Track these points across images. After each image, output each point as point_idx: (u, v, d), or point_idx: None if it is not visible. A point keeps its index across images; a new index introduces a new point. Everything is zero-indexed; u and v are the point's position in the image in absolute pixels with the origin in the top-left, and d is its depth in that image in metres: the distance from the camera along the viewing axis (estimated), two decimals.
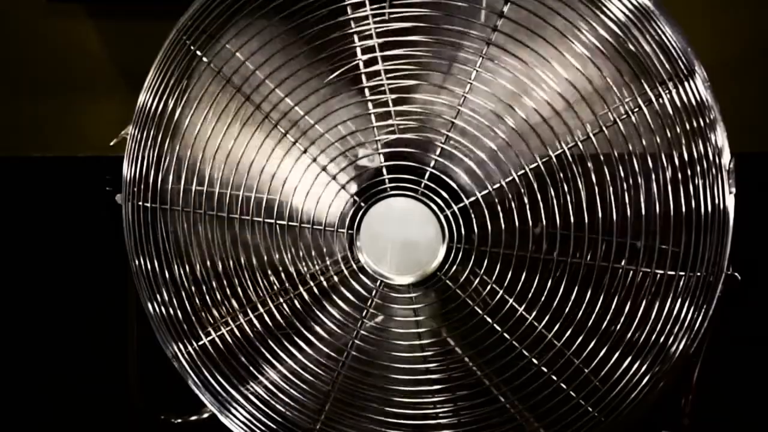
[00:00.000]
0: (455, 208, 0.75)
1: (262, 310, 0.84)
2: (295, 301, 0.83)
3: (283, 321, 0.83)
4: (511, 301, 0.76)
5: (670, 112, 0.70)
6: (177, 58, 0.79)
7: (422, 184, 0.75)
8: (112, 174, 0.84)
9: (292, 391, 0.85)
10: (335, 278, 0.81)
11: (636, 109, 0.70)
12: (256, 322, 0.84)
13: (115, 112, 1.39)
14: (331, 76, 0.75)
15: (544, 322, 0.75)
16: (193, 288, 0.84)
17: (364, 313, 0.81)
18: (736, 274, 0.72)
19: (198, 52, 0.79)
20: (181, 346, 0.86)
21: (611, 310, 0.74)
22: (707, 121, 0.69)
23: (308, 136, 0.78)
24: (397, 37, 0.74)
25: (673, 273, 0.72)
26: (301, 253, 0.81)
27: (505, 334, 0.77)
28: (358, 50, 0.75)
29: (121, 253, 0.85)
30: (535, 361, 0.77)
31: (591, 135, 0.71)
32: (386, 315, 0.81)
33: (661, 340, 0.74)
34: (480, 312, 0.77)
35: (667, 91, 0.69)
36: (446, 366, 0.80)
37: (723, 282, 0.72)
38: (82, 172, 1.38)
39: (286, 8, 0.75)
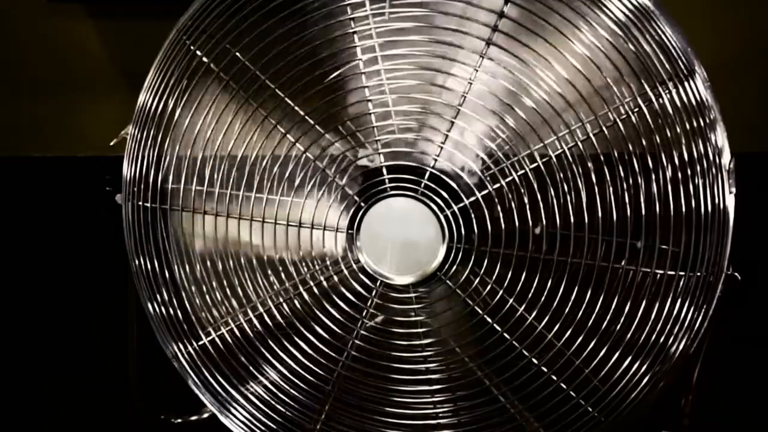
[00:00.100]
0: (455, 208, 0.75)
1: (262, 310, 0.84)
2: (295, 301, 0.83)
3: (283, 321, 0.83)
4: (511, 301, 0.76)
5: (670, 111, 0.70)
6: (177, 58, 0.79)
7: (422, 184, 0.75)
8: (112, 174, 0.84)
9: (292, 391, 0.85)
10: (335, 278, 0.81)
11: (636, 109, 0.70)
12: (256, 322, 0.84)
13: (115, 112, 1.39)
14: (331, 76, 0.75)
15: (544, 322, 0.75)
16: (193, 288, 0.84)
17: (364, 313, 0.81)
18: (736, 274, 0.72)
19: (198, 52, 0.79)
20: (181, 346, 0.86)
21: (611, 310, 0.74)
22: (707, 121, 0.69)
23: (308, 136, 0.78)
24: (397, 37, 0.74)
25: (673, 273, 0.72)
26: (301, 253, 0.81)
27: (505, 334, 0.77)
28: (358, 50, 0.75)
29: (121, 253, 0.85)
30: (535, 361, 0.77)
31: (591, 135, 0.71)
32: (386, 315, 0.81)
33: (661, 340, 0.74)
34: (480, 312, 0.77)
35: (667, 91, 0.69)
36: (446, 366, 0.80)
37: (723, 282, 0.72)
38: (82, 172, 1.38)
39: (286, 8, 0.75)
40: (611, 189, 0.71)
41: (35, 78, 1.50)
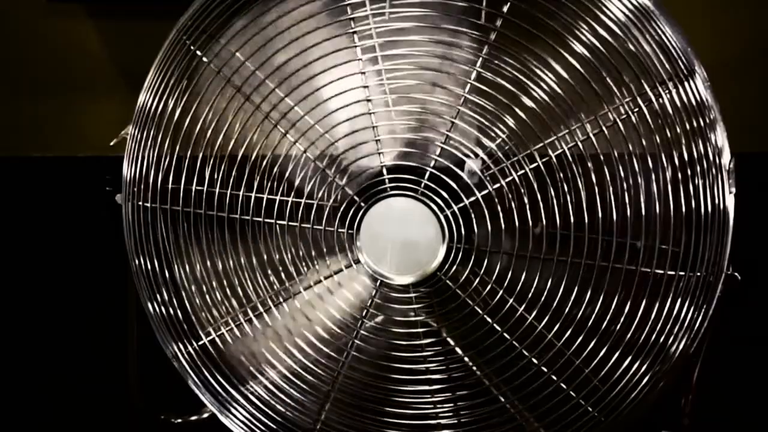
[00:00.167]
0: (455, 208, 0.75)
1: (262, 310, 0.84)
2: (295, 301, 0.83)
3: (284, 321, 0.83)
4: (511, 301, 0.76)
5: (670, 112, 0.70)
6: (177, 58, 0.79)
7: (422, 184, 0.75)
8: (112, 174, 0.84)
9: (292, 391, 0.85)
10: (335, 278, 0.81)
11: (636, 109, 0.70)
12: (256, 322, 0.84)
13: (115, 112, 1.39)
14: (331, 76, 0.75)
15: (544, 322, 0.75)
16: (193, 288, 0.84)
17: (364, 313, 0.81)
18: (736, 274, 0.72)
19: (198, 52, 0.79)
20: (181, 346, 0.86)
21: (611, 310, 0.73)
22: (707, 121, 0.69)
23: (308, 136, 0.78)
24: (397, 37, 0.74)
25: (673, 273, 0.72)
26: (301, 253, 0.81)
27: (505, 334, 0.77)
28: (358, 50, 0.75)
29: (121, 253, 0.85)
30: (535, 361, 0.77)
31: (591, 135, 0.71)
32: (386, 315, 0.81)
33: (661, 340, 0.74)
34: (480, 312, 0.77)
35: (667, 91, 0.69)
36: (446, 366, 0.80)
37: (723, 282, 0.72)
38: (82, 172, 1.38)
39: (286, 8, 0.75)
40: (611, 189, 0.71)
41: (35, 78, 1.50)
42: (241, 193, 0.80)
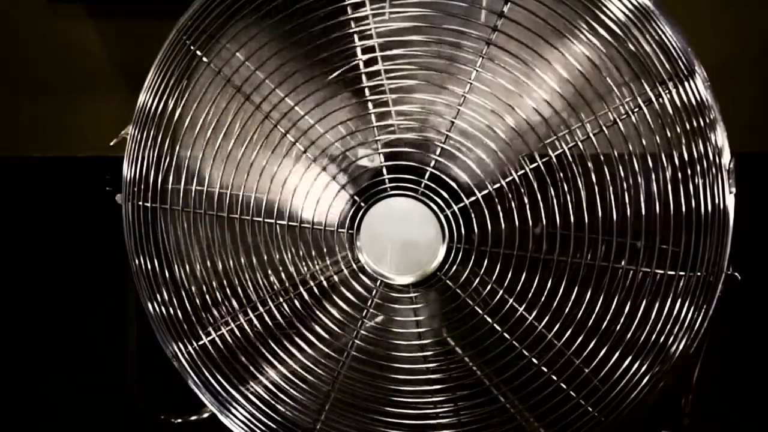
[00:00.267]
0: (455, 208, 0.75)
1: (262, 310, 0.84)
2: (295, 301, 0.83)
3: (283, 321, 0.83)
4: (511, 301, 0.76)
5: (670, 111, 0.70)
6: (177, 58, 0.79)
7: (422, 184, 0.75)
8: (112, 174, 0.84)
9: (292, 391, 0.85)
10: (335, 278, 0.81)
11: (636, 109, 0.70)
12: (256, 322, 0.84)
13: (115, 112, 1.39)
14: (331, 76, 0.75)
15: (544, 322, 0.75)
16: (193, 288, 0.84)
17: (364, 313, 0.81)
18: (736, 274, 0.72)
19: (198, 52, 0.79)
20: (181, 346, 0.86)
21: (611, 310, 0.73)
22: (707, 121, 0.69)
23: (308, 136, 0.78)
24: (397, 37, 0.74)
25: (673, 273, 0.72)
26: (301, 253, 0.81)
27: (505, 334, 0.77)
28: (358, 50, 0.75)
29: (121, 253, 0.85)
30: (535, 361, 0.77)
31: (591, 135, 0.71)
32: (386, 315, 0.81)
33: (661, 340, 0.74)
34: (480, 312, 0.77)
35: (667, 91, 0.69)
36: (446, 366, 0.80)
37: (723, 282, 0.72)
38: (82, 172, 1.38)
39: (287, 8, 0.75)
40: (611, 189, 0.71)
41: (35, 78, 1.50)
42: (241, 193, 0.80)
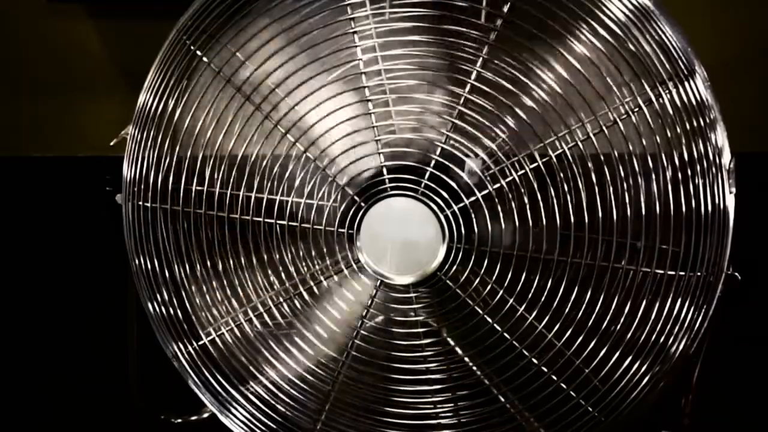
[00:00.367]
0: (455, 208, 0.75)
1: (262, 310, 0.84)
2: (295, 301, 0.83)
3: (283, 321, 0.83)
4: (511, 301, 0.76)
5: (670, 111, 0.70)
6: (177, 58, 0.79)
7: (422, 184, 0.75)
8: (112, 174, 0.84)
9: (292, 391, 0.85)
10: (335, 278, 0.81)
11: (636, 109, 0.70)
12: (256, 322, 0.84)
13: (115, 112, 1.39)
14: (332, 76, 0.76)
15: (544, 322, 0.75)
16: (193, 288, 0.84)
17: (364, 313, 0.81)
18: (736, 274, 0.72)
19: (198, 52, 0.79)
20: (181, 346, 0.86)
21: (611, 310, 0.74)
22: (707, 120, 0.69)
23: (308, 136, 0.78)
24: (397, 37, 0.74)
25: (673, 273, 0.72)
26: (301, 253, 0.81)
27: (505, 334, 0.77)
28: (358, 50, 0.75)
29: (121, 253, 0.85)
30: (535, 361, 0.77)
31: (591, 135, 0.71)
32: (386, 315, 0.81)
33: (661, 340, 0.74)
34: (480, 312, 0.77)
35: (667, 91, 0.69)
36: (446, 366, 0.80)
37: (723, 282, 0.72)
38: (82, 172, 1.38)
39: (287, 8, 0.75)
40: (611, 189, 0.71)
41: (35, 78, 1.50)
42: (241, 193, 0.80)
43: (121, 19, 1.45)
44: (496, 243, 0.75)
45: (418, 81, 0.75)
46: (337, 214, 0.79)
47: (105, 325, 1.03)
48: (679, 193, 0.70)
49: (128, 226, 0.84)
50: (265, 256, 0.82)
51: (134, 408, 0.98)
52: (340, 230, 0.79)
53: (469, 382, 0.80)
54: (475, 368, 0.80)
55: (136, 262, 0.84)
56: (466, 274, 0.76)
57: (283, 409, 0.86)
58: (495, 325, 0.77)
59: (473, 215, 0.75)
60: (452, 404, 0.81)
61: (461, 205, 0.75)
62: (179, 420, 0.99)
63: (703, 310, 0.73)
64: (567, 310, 0.74)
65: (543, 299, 0.74)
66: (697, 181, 0.70)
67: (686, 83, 0.69)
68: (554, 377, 0.77)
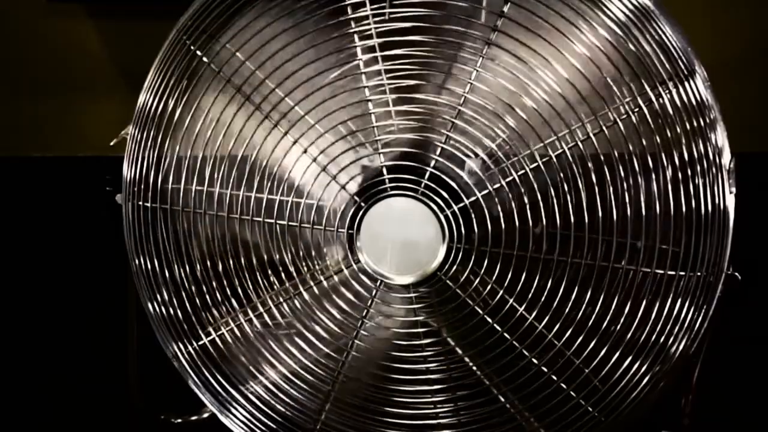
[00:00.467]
0: (455, 208, 0.75)
1: (262, 310, 0.84)
2: (295, 301, 0.83)
3: (283, 321, 0.83)
4: (511, 301, 0.76)
5: (670, 111, 0.70)
6: (177, 58, 0.79)
7: (422, 184, 0.75)
8: (112, 174, 0.84)
9: (292, 391, 0.85)
10: (335, 278, 0.81)
11: (636, 109, 0.70)
12: (256, 322, 0.84)
13: (115, 112, 1.39)
14: (332, 76, 0.76)
15: (544, 322, 0.75)
16: (193, 288, 0.84)
17: (364, 313, 0.81)
18: (736, 274, 0.72)
19: (198, 52, 0.79)
20: (181, 346, 0.86)
21: (611, 310, 0.74)
22: (707, 120, 0.69)
23: (308, 135, 0.78)
24: (398, 37, 0.74)
25: (673, 273, 0.72)
26: (301, 253, 0.81)
27: (505, 334, 0.77)
28: (359, 50, 0.75)
29: (121, 253, 0.85)
30: (535, 361, 0.77)
31: (591, 135, 0.71)
32: (386, 315, 0.81)
33: (661, 340, 0.74)
34: (480, 312, 0.77)
35: (667, 91, 0.69)
36: (446, 366, 0.80)
37: (723, 282, 0.72)
38: (82, 172, 1.38)
39: (287, 8, 0.75)
40: (611, 189, 0.71)
41: (35, 78, 1.50)
42: (241, 193, 0.80)
43: (121, 19, 1.45)
44: (496, 243, 0.75)
45: (418, 81, 0.75)
46: (337, 214, 0.79)
47: (105, 325, 1.03)
48: (679, 193, 0.70)
49: (128, 226, 0.84)
50: (265, 256, 0.82)
51: (134, 408, 0.98)
52: (340, 230, 0.79)
53: (469, 382, 0.80)
54: (475, 368, 0.80)
55: (136, 262, 0.84)
56: (466, 274, 0.76)
57: (283, 409, 0.86)
58: (495, 325, 0.77)
59: (473, 215, 0.75)
60: (452, 404, 0.81)
61: (461, 205, 0.75)
62: (179, 420, 0.99)
63: (703, 310, 0.73)
64: (567, 310, 0.74)
65: (543, 299, 0.74)
66: (697, 181, 0.70)
67: (686, 83, 0.69)
68: (554, 377, 0.77)
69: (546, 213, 0.72)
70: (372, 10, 0.74)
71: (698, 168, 0.70)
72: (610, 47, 0.70)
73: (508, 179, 0.74)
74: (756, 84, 1.45)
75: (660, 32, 0.69)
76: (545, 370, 0.77)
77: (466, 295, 0.77)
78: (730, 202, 0.70)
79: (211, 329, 0.86)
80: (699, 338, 0.73)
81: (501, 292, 0.76)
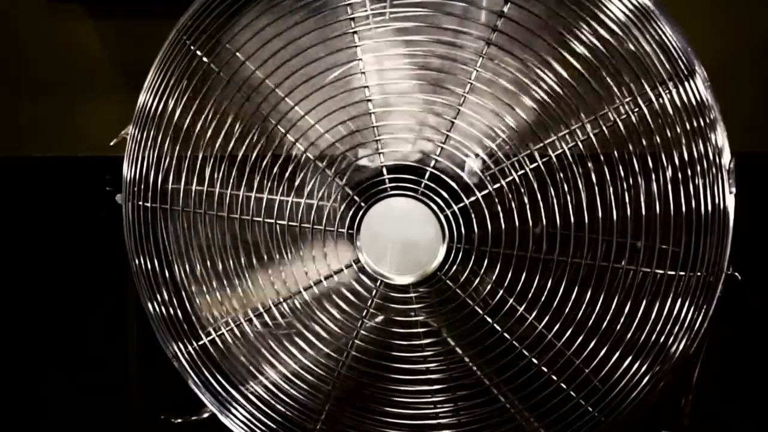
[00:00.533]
0: (455, 208, 0.75)
1: (262, 310, 0.84)
2: (295, 301, 0.83)
3: (283, 321, 0.83)
4: (511, 301, 0.76)
5: (670, 111, 0.70)
6: (177, 58, 0.79)
7: (422, 184, 0.75)
8: (112, 174, 0.84)
9: (292, 391, 0.85)
10: (335, 278, 0.81)
11: (636, 109, 0.70)
12: (256, 322, 0.84)
13: (115, 112, 1.39)
14: (331, 76, 0.76)
15: (544, 322, 0.75)
16: (193, 288, 0.84)
17: (364, 313, 0.81)
18: (736, 274, 0.72)
19: (198, 52, 0.79)
20: (181, 346, 0.86)
21: (611, 310, 0.74)
22: (707, 121, 0.69)
23: (308, 136, 0.78)
24: (397, 37, 0.74)
25: (673, 273, 0.72)
26: (301, 253, 0.81)
27: (505, 334, 0.77)
28: (358, 50, 0.75)
29: (121, 253, 0.85)
30: (535, 361, 0.77)
31: (591, 135, 0.71)
32: (386, 315, 0.81)
33: (661, 340, 0.74)
34: (480, 312, 0.77)
35: (667, 91, 0.69)
36: (446, 366, 0.80)
37: (723, 282, 0.72)
38: (82, 172, 1.38)
39: (287, 8, 0.75)
40: (611, 189, 0.71)
41: (35, 78, 1.50)
42: (241, 193, 0.80)
43: (121, 19, 1.45)
44: (496, 243, 0.75)
45: (418, 81, 0.75)
46: (337, 214, 0.79)
47: (105, 325, 1.03)
48: (679, 193, 0.70)
49: (128, 226, 0.84)
50: (265, 256, 0.82)
51: (134, 408, 0.98)
52: (340, 230, 0.79)
53: (469, 382, 0.80)
54: (475, 368, 0.80)
55: (136, 262, 0.84)
56: (466, 274, 0.76)
57: (283, 409, 0.86)
58: (495, 325, 0.77)
59: (473, 215, 0.75)
60: (452, 404, 0.81)
61: (461, 205, 0.75)
62: (179, 420, 0.99)
63: (703, 310, 0.73)
64: (567, 310, 0.74)
65: (543, 299, 0.74)
66: (697, 181, 0.70)
67: (686, 83, 0.69)
68: (554, 377, 0.77)
69: (546, 213, 0.72)
70: (372, 10, 0.74)
71: (698, 168, 0.70)
72: (610, 47, 0.70)
73: (508, 179, 0.74)
74: (756, 84, 1.45)
75: (660, 32, 0.69)
76: (545, 370, 0.77)
77: (466, 295, 0.77)
78: (730, 202, 0.70)
79: (211, 329, 0.86)
80: (699, 338, 0.73)
81: (501, 292, 0.76)
